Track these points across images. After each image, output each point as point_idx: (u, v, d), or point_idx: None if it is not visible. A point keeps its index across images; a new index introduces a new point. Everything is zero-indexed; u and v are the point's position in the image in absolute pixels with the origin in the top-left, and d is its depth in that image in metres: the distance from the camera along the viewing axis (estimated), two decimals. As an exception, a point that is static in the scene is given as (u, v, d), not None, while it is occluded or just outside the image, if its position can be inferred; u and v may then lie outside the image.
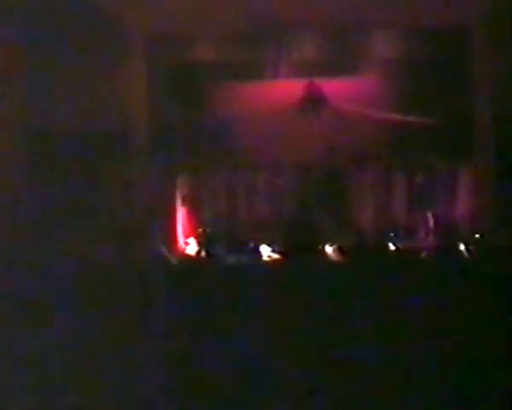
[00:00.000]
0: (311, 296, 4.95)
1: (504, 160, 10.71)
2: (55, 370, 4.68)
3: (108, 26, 10.60)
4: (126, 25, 10.78)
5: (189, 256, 10.13)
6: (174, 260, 8.81)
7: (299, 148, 11.49)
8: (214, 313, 4.93)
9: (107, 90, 10.52)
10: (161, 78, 11.67)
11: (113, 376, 4.66)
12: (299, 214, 11.39)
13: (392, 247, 9.88)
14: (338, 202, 11.63)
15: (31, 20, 9.72)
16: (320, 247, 9.35)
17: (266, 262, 8.89)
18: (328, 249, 9.19)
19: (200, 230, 10.95)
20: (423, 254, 8.81)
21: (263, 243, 9.66)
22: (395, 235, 10.65)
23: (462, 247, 9.14)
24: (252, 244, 9.68)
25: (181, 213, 11.50)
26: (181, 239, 11.14)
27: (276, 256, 9.27)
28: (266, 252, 9.46)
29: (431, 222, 11.30)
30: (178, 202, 11.55)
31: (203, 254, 9.96)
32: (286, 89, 11.69)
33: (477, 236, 9.96)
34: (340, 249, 9.00)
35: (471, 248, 9.04)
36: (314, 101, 11.60)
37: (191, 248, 10.48)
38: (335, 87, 11.66)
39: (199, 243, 10.47)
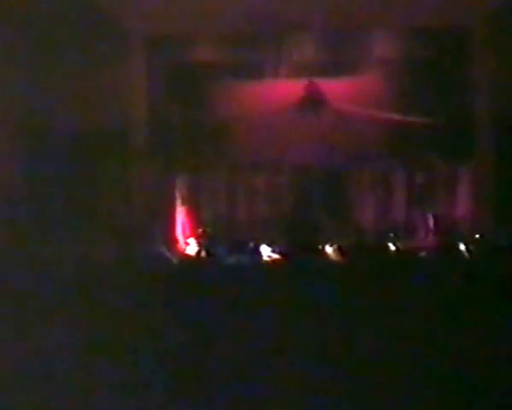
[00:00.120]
0: (311, 296, 4.94)
1: (504, 160, 10.72)
2: (55, 370, 4.68)
3: (108, 26, 10.60)
4: (126, 25, 10.79)
5: (189, 256, 10.13)
6: (175, 260, 8.81)
7: (299, 148, 11.50)
8: (214, 313, 4.93)
9: (107, 91, 10.52)
10: (161, 78, 11.68)
11: (113, 376, 4.66)
12: (299, 214, 11.40)
13: (392, 247, 9.88)
14: (338, 202, 11.64)
15: (31, 21, 9.72)
16: (320, 247, 9.34)
17: (266, 262, 8.89)
18: (328, 249, 9.18)
19: (200, 230, 10.96)
20: (423, 254, 8.81)
21: (263, 243, 9.66)
22: (395, 235, 10.66)
23: (462, 247, 9.14)
24: (252, 244, 9.68)
25: (181, 213, 11.51)
26: (181, 239, 11.15)
27: (276, 256, 9.27)
28: (266, 252, 9.46)
29: (431, 222, 11.31)
30: (178, 202, 11.56)
31: (203, 254, 9.96)
32: (286, 89, 11.70)
33: (477, 236, 9.96)
34: (340, 249, 8.99)
35: (471, 248, 9.04)
36: (314, 101, 11.61)
37: (191, 248, 10.48)
38: (335, 87, 11.67)
39: (199, 243, 10.47)
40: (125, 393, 4.59)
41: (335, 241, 9.37)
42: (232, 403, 4.57)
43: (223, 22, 10.60)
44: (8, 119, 9.98)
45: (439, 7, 10.24)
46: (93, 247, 8.68)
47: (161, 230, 10.60)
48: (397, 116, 11.54)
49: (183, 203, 11.56)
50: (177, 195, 11.55)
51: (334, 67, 11.56)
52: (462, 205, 11.52)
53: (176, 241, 11.03)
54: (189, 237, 10.94)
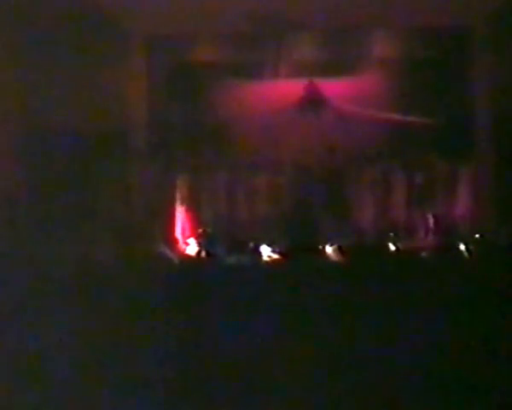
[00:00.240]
0: (311, 296, 4.94)
1: (504, 160, 10.71)
2: (55, 370, 4.68)
3: (108, 26, 10.60)
4: (126, 25, 10.78)
5: (189, 256, 10.12)
6: (175, 260, 8.81)
7: (299, 148, 11.50)
8: (214, 313, 4.93)
9: (107, 90, 10.51)
10: (161, 78, 11.67)
11: (114, 376, 4.66)
12: (299, 214, 11.39)
13: (392, 247, 9.87)
14: (338, 202, 11.63)
15: (31, 20, 9.72)
16: (320, 247, 9.34)
17: (266, 262, 8.88)
18: (328, 249, 9.18)
19: (200, 230, 10.94)
20: (423, 254, 8.80)
21: (263, 243, 9.65)
22: (395, 235, 10.65)
23: (462, 247, 9.14)
24: (252, 244, 9.67)
25: (181, 213, 11.50)
26: (181, 239, 11.14)
27: (276, 256, 9.26)
28: (266, 252, 9.45)
29: (431, 222, 11.30)
30: (178, 202, 11.55)
31: (203, 254, 9.95)
32: (286, 89, 11.69)
33: (477, 236, 9.95)
34: (340, 249, 8.99)
35: (471, 248, 9.03)
36: (314, 101, 11.61)
37: (191, 248, 10.47)
38: (335, 87, 11.67)
39: (199, 243, 10.46)
40: (125, 393, 4.59)
41: (335, 241, 9.36)
42: (232, 403, 4.58)
43: (223, 22, 10.60)
44: (9, 119, 9.97)
45: (439, 7, 10.24)
46: (93, 247, 8.68)
47: (161, 230, 10.59)
48: (397, 116, 11.53)
49: (183, 203, 11.55)
50: (177, 195, 11.54)
51: (334, 67, 11.55)
52: (462, 205, 11.51)
53: (176, 241, 11.02)
54: (188, 237, 10.93)
